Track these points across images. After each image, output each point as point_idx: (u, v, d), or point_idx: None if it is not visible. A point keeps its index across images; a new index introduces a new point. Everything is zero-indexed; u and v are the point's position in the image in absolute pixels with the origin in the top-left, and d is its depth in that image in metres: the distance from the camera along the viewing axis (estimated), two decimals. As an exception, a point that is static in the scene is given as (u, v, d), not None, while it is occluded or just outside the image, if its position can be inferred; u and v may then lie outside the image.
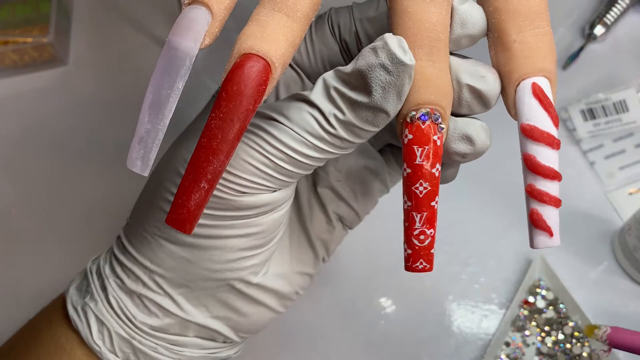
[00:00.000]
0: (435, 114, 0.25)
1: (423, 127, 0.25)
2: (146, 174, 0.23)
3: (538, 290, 0.50)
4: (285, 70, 0.26)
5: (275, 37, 0.23)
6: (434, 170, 0.25)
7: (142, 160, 0.23)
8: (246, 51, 0.23)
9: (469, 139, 0.27)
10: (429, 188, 0.26)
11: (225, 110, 0.23)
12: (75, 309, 0.32)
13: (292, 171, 0.27)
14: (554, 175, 0.25)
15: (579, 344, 0.48)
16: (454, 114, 0.27)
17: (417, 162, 0.25)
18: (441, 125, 0.25)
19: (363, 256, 0.52)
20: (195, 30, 0.23)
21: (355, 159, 0.35)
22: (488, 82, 0.26)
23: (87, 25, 0.62)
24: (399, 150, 0.35)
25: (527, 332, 0.49)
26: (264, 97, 0.23)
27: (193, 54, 0.23)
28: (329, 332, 0.50)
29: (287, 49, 0.24)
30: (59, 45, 0.59)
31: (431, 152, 0.25)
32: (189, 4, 0.23)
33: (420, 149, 0.25)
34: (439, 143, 0.25)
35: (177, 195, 0.24)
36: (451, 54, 0.27)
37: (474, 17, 0.26)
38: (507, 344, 0.49)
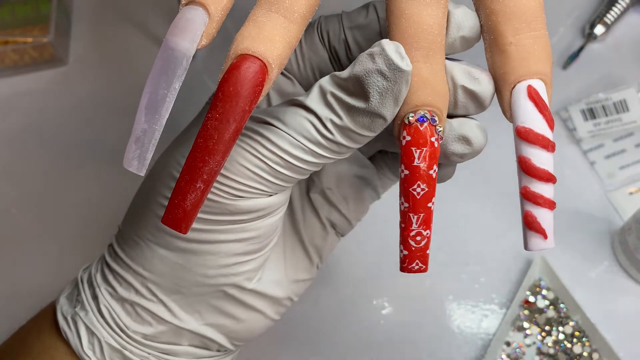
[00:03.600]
0: (433, 116, 0.25)
1: (421, 128, 0.25)
2: (142, 173, 0.23)
3: (538, 289, 0.50)
4: (281, 70, 0.26)
5: (272, 38, 0.23)
6: (431, 172, 0.26)
7: (139, 160, 0.23)
8: (243, 52, 0.23)
9: (466, 140, 0.27)
10: (427, 189, 0.26)
11: (222, 110, 0.23)
12: (65, 319, 0.32)
13: (288, 176, 0.27)
14: (548, 178, 0.25)
15: (579, 344, 0.48)
16: (450, 116, 0.27)
17: (415, 163, 0.25)
18: (438, 127, 0.25)
19: (363, 256, 0.52)
20: (192, 31, 0.23)
21: (346, 166, 0.34)
22: (482, 83, 0.26)
23: (87, 25, 0.62)
24: (390, 157, 0.35)
25: (527, 332, 0.49)
26: (260, 98, 0.23)
27: (190, 55, 0.23)
28: (329, 332, 0.50)
29: (284, 50, 0.24)
30: (59, 45, 0.59)
31: (429, 153, 0.25)
32: (186, 4, 0.24)
33: (418, 151, 0.25)
34: (436, 144, 0.26)
35: (173, 196, 0.24)
36: (446, 58, 0.27)
37: (469, 20, 0.26)
38: (508, 344, 0.49)
